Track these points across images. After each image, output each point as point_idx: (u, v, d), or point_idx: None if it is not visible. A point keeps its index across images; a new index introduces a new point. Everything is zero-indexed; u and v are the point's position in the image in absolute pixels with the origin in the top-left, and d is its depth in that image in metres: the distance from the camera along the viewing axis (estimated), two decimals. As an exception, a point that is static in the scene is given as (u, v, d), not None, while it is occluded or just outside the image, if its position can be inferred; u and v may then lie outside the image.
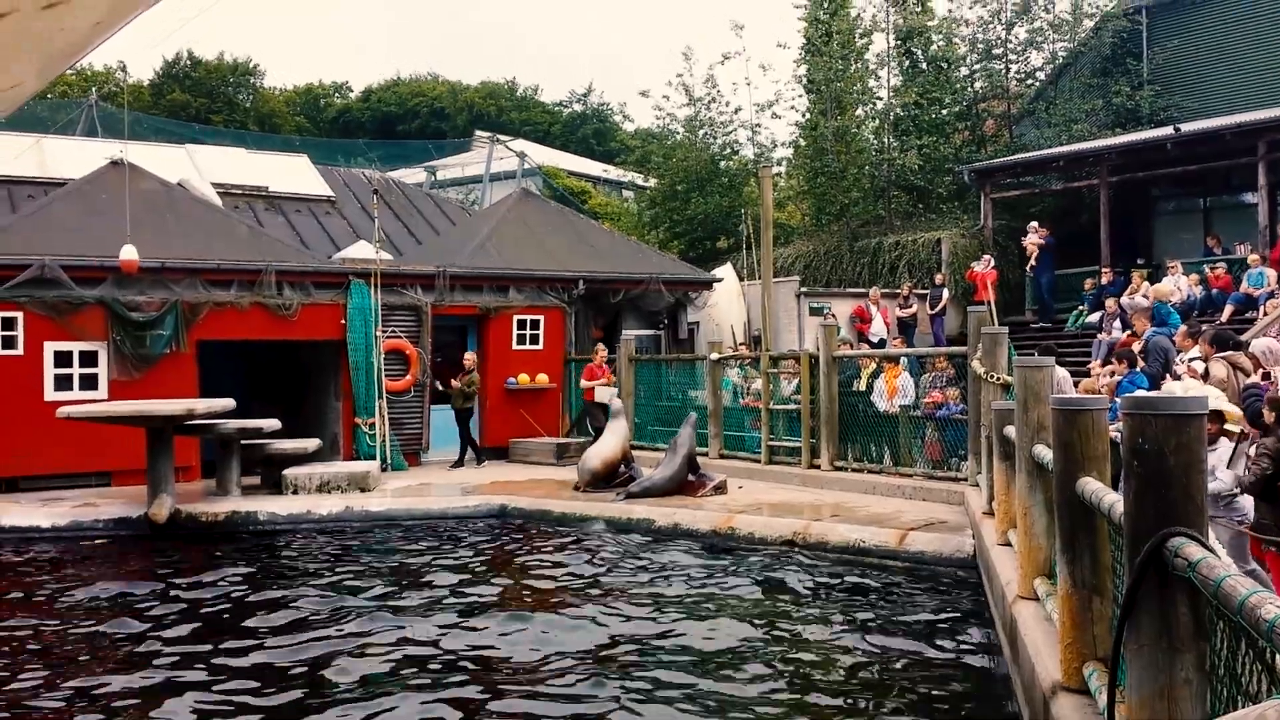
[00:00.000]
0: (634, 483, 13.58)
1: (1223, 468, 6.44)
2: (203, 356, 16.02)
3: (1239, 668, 2.69)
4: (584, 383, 17.23)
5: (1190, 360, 8.91)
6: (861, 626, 8.20)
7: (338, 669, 7.25)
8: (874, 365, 14.50)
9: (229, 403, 13.84)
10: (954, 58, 25.40)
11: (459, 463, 17.06)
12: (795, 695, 6.61)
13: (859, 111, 25.58)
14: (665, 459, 13.85)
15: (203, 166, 20.96)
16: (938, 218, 23.71)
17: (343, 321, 16.82)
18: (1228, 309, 16.49)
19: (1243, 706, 2.61)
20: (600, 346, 17.81)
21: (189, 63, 47.73)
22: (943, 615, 8.52)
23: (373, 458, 16.37)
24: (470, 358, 17.31)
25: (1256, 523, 5.85)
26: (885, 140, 24.55)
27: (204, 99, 46.59)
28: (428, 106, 54.28)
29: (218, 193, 19.87)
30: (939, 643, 7.73)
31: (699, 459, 14.19)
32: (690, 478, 13.57)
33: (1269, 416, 5.73)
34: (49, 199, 16.99)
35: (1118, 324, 17.55)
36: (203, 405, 13.44)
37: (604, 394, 16.16)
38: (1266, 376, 6.61)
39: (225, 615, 8.91)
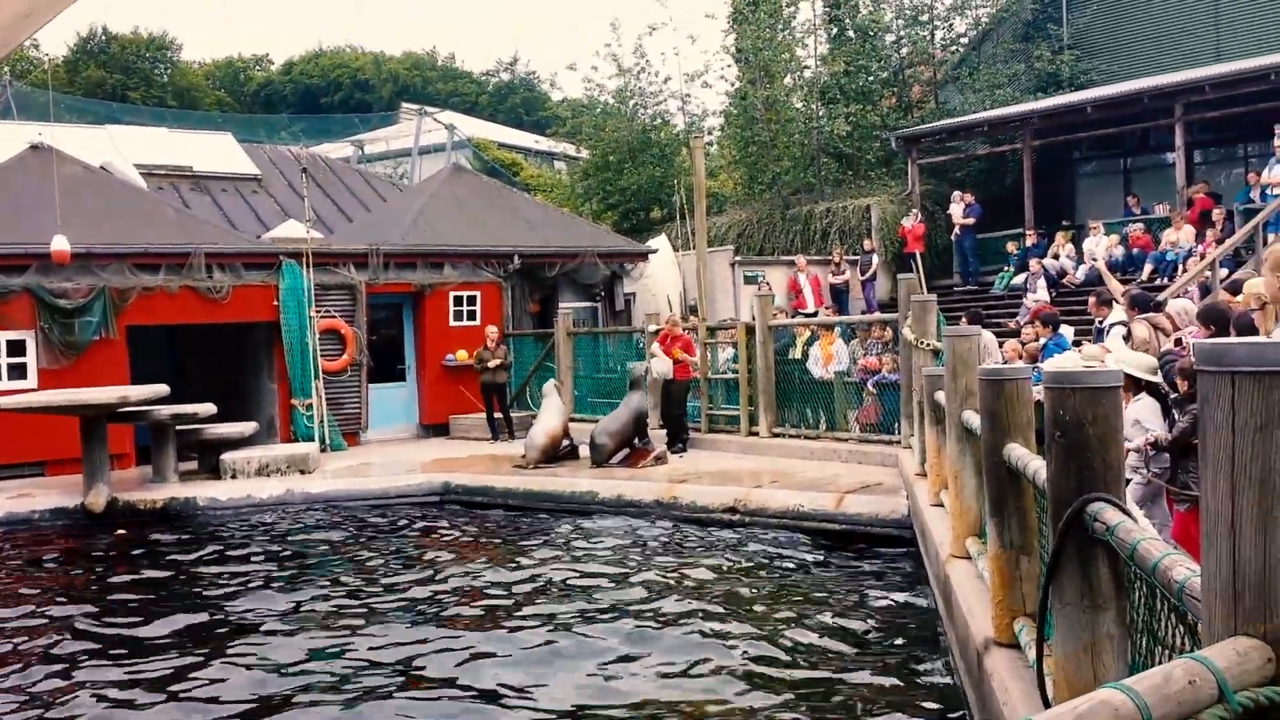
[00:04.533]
0: (591, 446, 13.64)
1: (1150, 419, 6.65)
2: (133, 342, 15.78)
3: (1155, 623, 2.88)
4: (663, 361, 14.41)
5: (1111, 325, 9.22)
6: (799, 588, 8.42)
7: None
8: (809, 333, 14.75)
9: (162, 389, 13.68)
10: (880, 25, 25.63)
11: (509, 437, 16.78)
12: (733, 658, 6.80)
13: (787, 80, 25.72)
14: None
15: (125, 148, 20.52)
16: (867, 184, 24.01)
17: (275, 303, 16.65)
18: (1147, 268, 16.98)
19: (1161, 659, 2.80)
20: (672, 313, 16.29)
21: (103, 38, 46.42)
22: (879, 575, 8.79)
23: (311, 439, 16.28)
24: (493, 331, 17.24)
25: (1173, 477, 6.14)
26: (813, 108, 24.75)
27: (120, 75, 45.36)
28: (351, 78, 53.48)
29: (141, 174, 19.50)
30: (876, 601, 7.99)
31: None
32: (636, 442, 13.71)
33: (1182, 385, 5.98)
34: (-34, 185, 16.53)
35: (1042, 284, 18.02)
36: (136, 392, 13.28)
37: (660, 365, 14.35)
38: (1179, 342, 6.88)
39: (156, 608, 8.89)
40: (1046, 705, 3.44)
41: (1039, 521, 4.49)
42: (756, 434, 14.38)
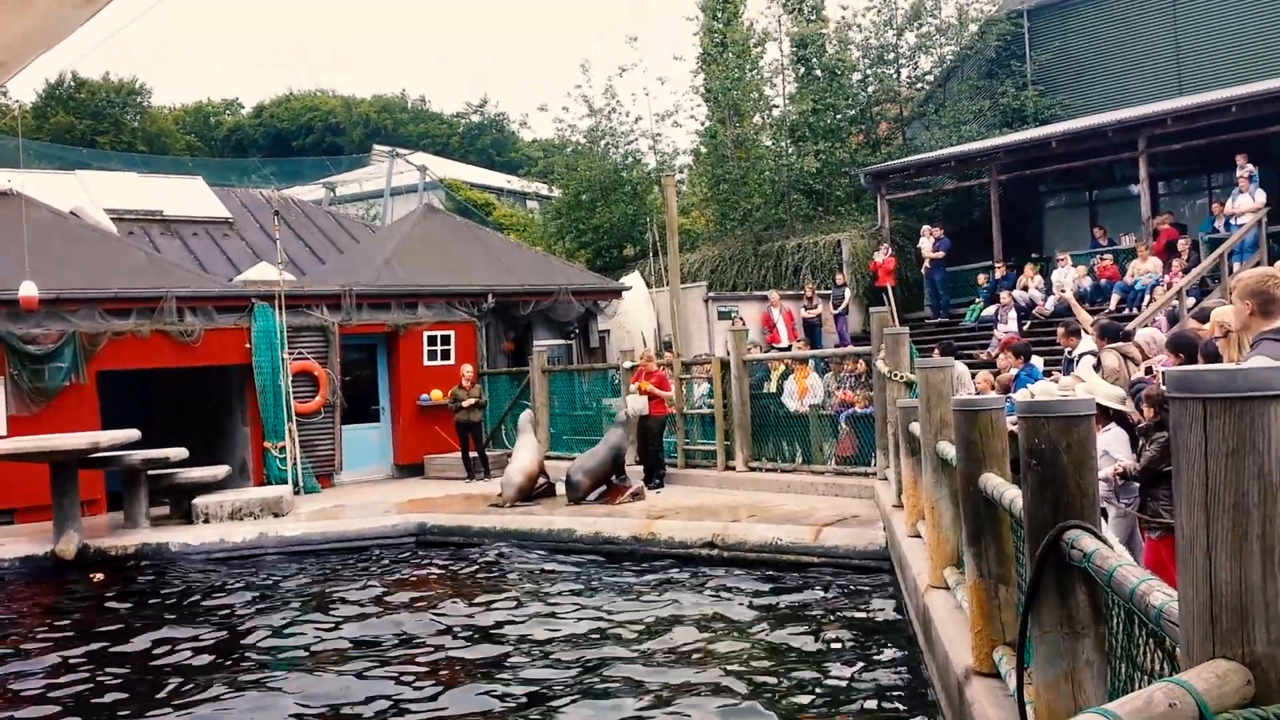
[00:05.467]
0: (568, 484, 13.62)
1: (1119, 450, 6.73)
2: (104, 387, 15.65)
3: (1134, 649, 2.90)
4: (639, 399, 14.25)
5: (1081, 354, 9.33)
6: (779, 620, 8.41)
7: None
8: (783, 367, 14.81)
9: (134, 433, 13.57)
10: (847, 64, 25.96)
11: (485, 476, 16.58)
12: (717, 688, 6.77)
13: (756, 119, 26.01)
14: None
15: (95, 193, 20.43)
16: (837, 219, 24.24)
17: (248, 345, 16.57)
18: (1114, 298, 17.19)
19: (1141, 684, 2.82)
20: (646, 349, 16.45)
21: (73, 84, 46.33)
22: (857, 607, 8.79)
23: (284, 482, 16.13)
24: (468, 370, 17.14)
25: (1143, 505, 6.19)
26: (783, 146, 25.00)
27: (89, 121, 45.26)
28: (322, 121, 53.56)
29: (111, 219, 19.40)
30: (854, 634, 7.98)
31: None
32: (613, 479, 13.70)
33: (1149, 413, 6.05)
34: (-67, 231, 16.41)
35: (1012, 315, 18.20)
36: (107, 437, 13.15)
37: (636, 404, 14.20)
38: (1150, 371, 6.97)
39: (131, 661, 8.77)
40: (1029, 734, 3.45)
41: (1016, 550, 4.52)
42: (733, 468, 14.39)
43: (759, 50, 26.13)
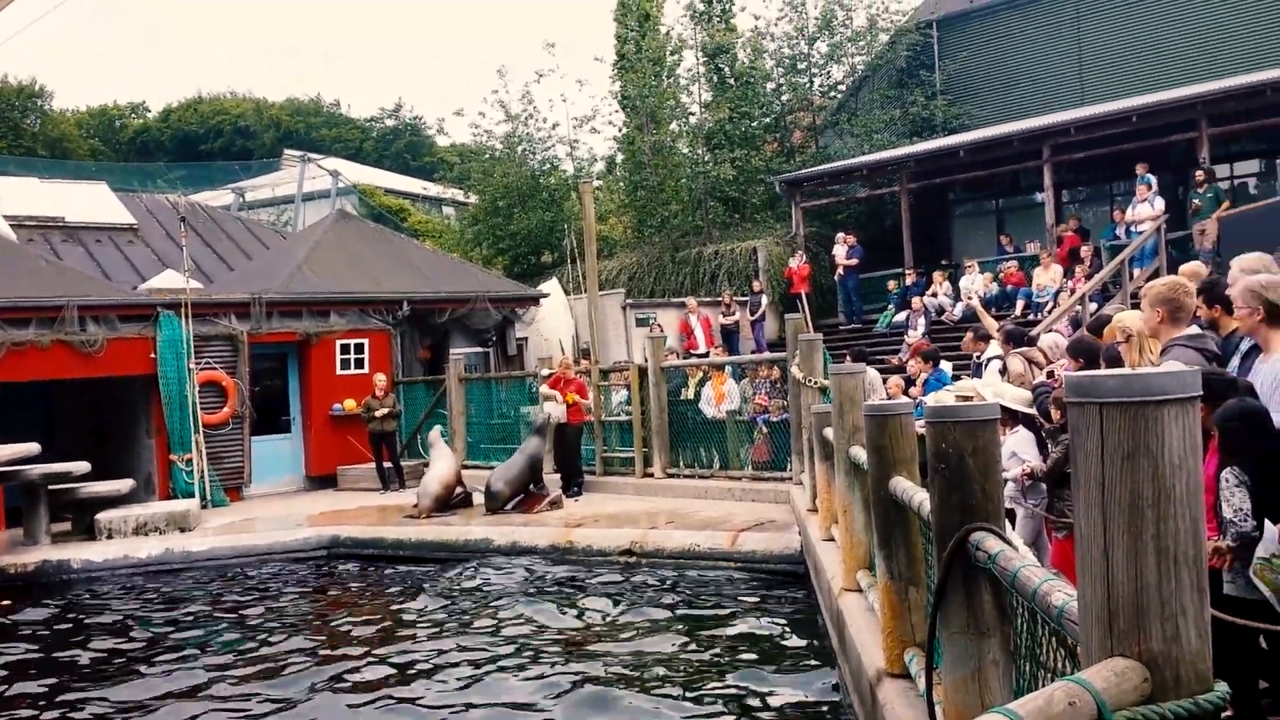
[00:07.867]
0: (487, 493, 13.47)
1: (1027, 451, 6.86)
2: (2, 399, 15.10)
3: (1038, 648, 2.95)
4: (556, 405, 14.22)
5: (988, 359, 9.54)
6: (694, 626, 8.43)
7: None
8: (701, 373, 14.88)
9: (33, 447, 13.12)
10: (760, 73, 26.20)
11: (400, 486, 16.49)
12: (631, 692, 6.76)
13: (673, 126, 26.12)
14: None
15: (-9, 198, 19.75)
16: (753, 226, 24.44)
17: (153, 355, 16.14)
18: (1020, 304, 17.59)
19: (1044, 682, 2.87)
20: (564, 356, 16.54)
21: (-33, 87, 44.78)
22: (774, 611, 8.84)
23: (191, 495, 15.72)
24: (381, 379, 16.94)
25: (1049, 506, 6.34)
26: (699, 153, 25.16)
27: (-15, 125, 43.79)
28: (231, 125, 52.44)
29: (10, 226, 18.77)
30: (769, 637, 8.03)
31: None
32: (531, 488, 13.60)
33: (1056, 416, 6.21)
34: None
35: (922, 321, 18.53)
36: (5, 452, 12.69)
37: (554, 409, 14.13)
38: (1051, 375, 7.14)
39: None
40: (938, 734, 3.49)
41: (925, 553, 4.57)
42: (651, 475, 14.40)
43: (675, 58, 26.25)
